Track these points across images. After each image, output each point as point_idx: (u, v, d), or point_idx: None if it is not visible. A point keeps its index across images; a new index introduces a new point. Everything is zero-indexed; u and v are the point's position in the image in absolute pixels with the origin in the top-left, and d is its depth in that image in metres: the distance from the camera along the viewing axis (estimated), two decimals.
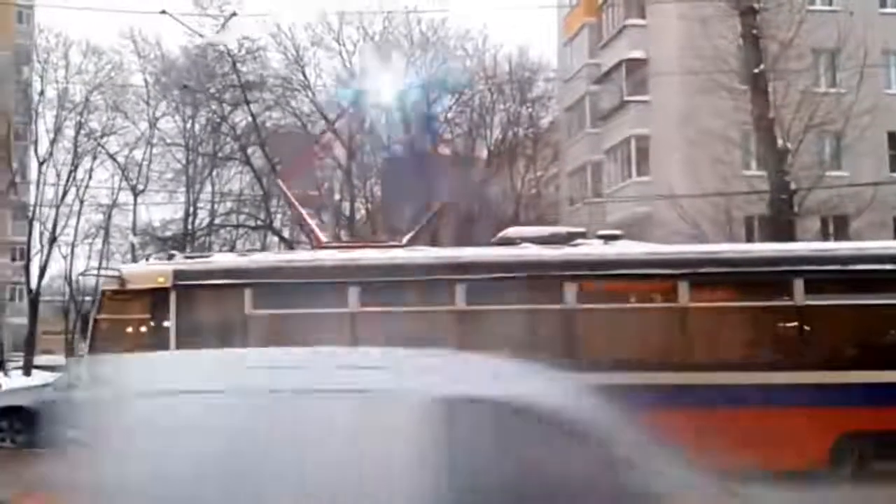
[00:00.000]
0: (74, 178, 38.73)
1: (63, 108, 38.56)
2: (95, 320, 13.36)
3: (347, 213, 35.90)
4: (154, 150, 38.67)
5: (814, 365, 12.09)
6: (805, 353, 12.32)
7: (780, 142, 22.03)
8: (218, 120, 36.45)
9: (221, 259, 14.39)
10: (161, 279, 13.15)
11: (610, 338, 12.89)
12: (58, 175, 38.51)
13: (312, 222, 18.75)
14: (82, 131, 38.61)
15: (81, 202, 39.33)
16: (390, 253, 14.06)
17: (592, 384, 4.94)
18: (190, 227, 37.04)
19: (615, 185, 34.57)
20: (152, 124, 38.78)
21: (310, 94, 36.79)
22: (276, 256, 15.29)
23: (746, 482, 4.95)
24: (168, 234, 36.48)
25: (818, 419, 11.76)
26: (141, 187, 38.54)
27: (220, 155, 36.27)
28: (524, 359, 5.25)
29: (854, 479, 12.03)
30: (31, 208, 39.39)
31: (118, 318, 13.46)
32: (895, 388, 11.89)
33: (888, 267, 12.55)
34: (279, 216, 36.00)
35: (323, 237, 16.74)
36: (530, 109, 40.47)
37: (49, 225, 38.52)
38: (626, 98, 33.91)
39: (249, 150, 35.51)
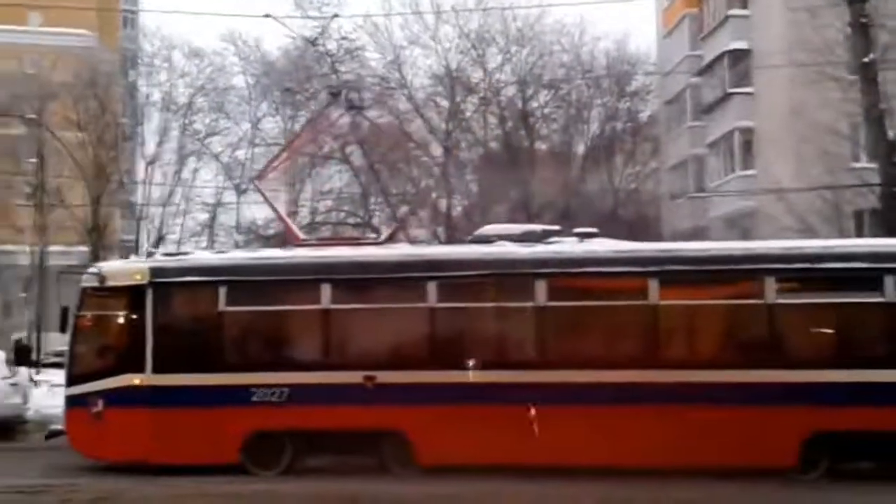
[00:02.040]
0: (180, 178, 39.71)
1: (168, 110, 39.61)
2: (76, 316, 13.90)
3: (444, 210, 35.92)
4: (256, 150, 39.37)
5: (785, 363, 12.23)
6: (775, 350, 12.41)
7: (890, 133, 21.20)
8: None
9: (197, 257, 14.78)
10: (138, 276, 13.61)
11: (578, 336, 13.00)
12: (164, 175, 39.59)
13: (288, 220, 18.94)
14: (187, 132, 39.58)
15: (187, 201, 40.32)
16: (363, 251, 14.31)
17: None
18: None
19: (718, 179, 33.90)
20: (254, 125, 39.53)
21: (407, 92, 36.94)
22: (250, 254, 15.71)
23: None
24: (270, 232, 37.07)
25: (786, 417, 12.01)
26: (244, 186, 39.30)
27: (319, 154, 36.70)
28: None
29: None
30: (139, 207, 40.56)
31: (98, 314, 13.95)
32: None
33: (855, 265, 12.48)
34: (378, 214, 36.25)
35: (301, 234, 16.91)
36: (629, 103, 39.84)
37: (156, 223, 39.62)
38: (730, 90, 33.20)
39: (348, 150, 35.86)
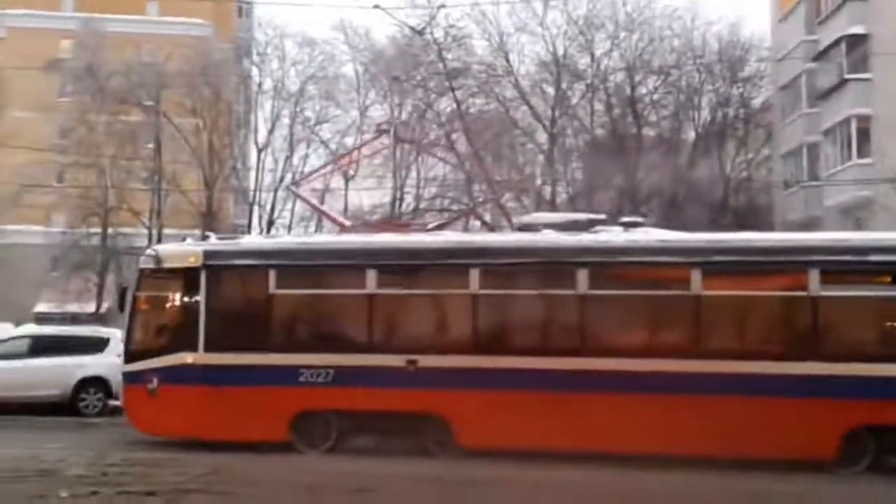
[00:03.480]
0: (291, 164, 40.47)
1: (279, 98, 40.37)
2: (134, 296, 14.42)
3: (549, 197, 35.73)
4: (364, 138, 39.84)
5: (828, 356, 12.04)
6: (820, 344, 12.22)
7: None
8: (423, 107, 37.11)
9: (249, 241, 15.22)
10: (192, 259, 14.03)
11: (619, 325, 13.00)
12: (275, 161, 40.41)
13: (329, 212, 19.46)
14: (297, 120, 40.29)
15: (297, 187, 41.04)
16: (407, 237, 14.49)
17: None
18: (397, 211, 37.98)
19: (834, 167, 32.84)
20: (362, 112, 39.98)
21: (513, 79, 36.83)
22: (299, 239, 15.89)
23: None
24: (376, 217, 37.52)
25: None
26: (352, 173, 39.83)
27: (424, 141, 36.93)
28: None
29: None
30: (252, 193, 41.52)
31: (154, 294, 14.48)
32: None
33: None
34: (481, 200, 36.27)
35: (346, 222, 17.19)
36: (741, 89, 38.93)
37: (268, 208, 40.50)
38: (847, 76, 32.10)
39: (453, 137, 35.98)
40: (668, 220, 27.19)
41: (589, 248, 13.11)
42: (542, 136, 36.29)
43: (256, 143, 41.23)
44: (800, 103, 36.86)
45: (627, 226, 13.84)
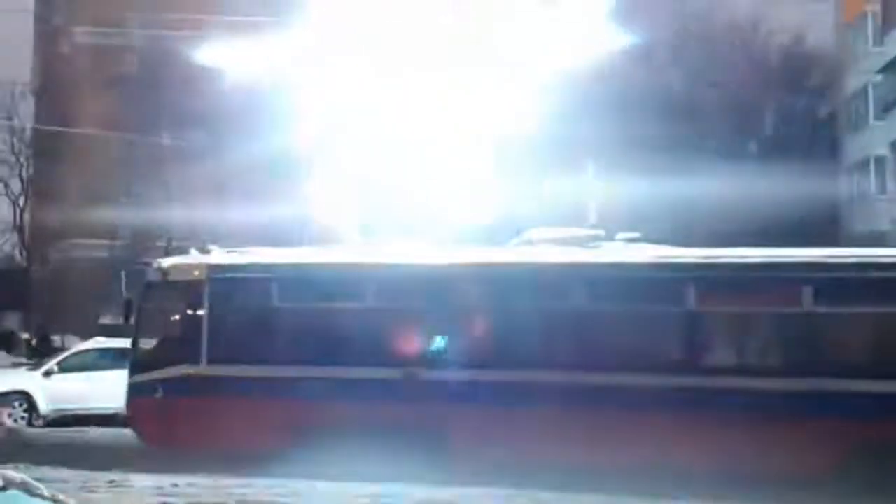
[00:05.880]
0: None
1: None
2: (139, 308, 14.45)
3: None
4: None
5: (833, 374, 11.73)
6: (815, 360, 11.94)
7: None
8: None
9: (254, 254, 14.87)
10: (197, 272, 13.97)
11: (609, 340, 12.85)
12: None
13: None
14: None
15: None
16: (412, 252, 14.47)
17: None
18: None
19: None
20: None
21: None
22: (303, 253, 15.84)
23: None
24: None
25: None
26: None
27: None
28: None
29: None
30: None
31: (159, 306, 14.50)
32: None
33: None
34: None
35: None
36: (805, 101, 38.34)
37: None
38: None
39: None
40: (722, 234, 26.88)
41: (581, 265, 13.12)
42: None
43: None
44: (867, 115, 36.22)
45: (627, 241, 13.74)
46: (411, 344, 13.41)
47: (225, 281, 13.98)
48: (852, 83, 36.94)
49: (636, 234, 14.01)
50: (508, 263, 13.45)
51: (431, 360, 13.14)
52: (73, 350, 21.23)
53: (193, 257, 15.06)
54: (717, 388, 12.06)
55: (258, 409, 13.19)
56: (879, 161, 35.00)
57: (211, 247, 14.85)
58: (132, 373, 14.37)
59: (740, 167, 35.58)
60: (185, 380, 13.68)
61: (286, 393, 13.20)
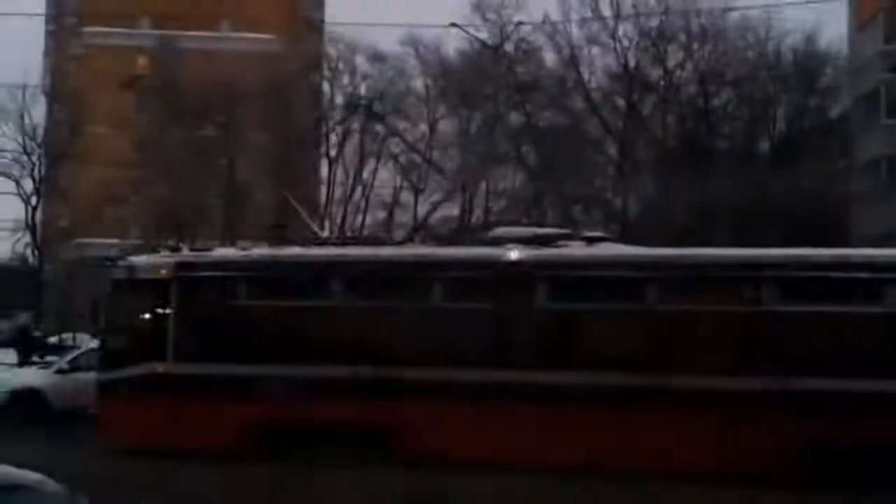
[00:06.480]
0: (361, 178, 40.75)
1: (350, 112, 40.69)
2: (107, 306, 14.66)
3: (619, 209, 35.41)
4: (433, 151, 39.93)
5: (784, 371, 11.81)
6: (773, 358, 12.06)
7: None
8: (493, 121, 37.08)
9: (220, 253, 15.08)
10: (164, 271, 14.14)
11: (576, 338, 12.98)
12: (346, 174, 40.73)
13: (310, 221, 19.21)
14: (367, 133, 40.56)
15: (367, 200, 41.34)
16: (374, 250, 14.59)
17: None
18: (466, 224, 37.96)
19: None
20: (432, 126, 40.08)
21: (583, 91, 36.60)
22: (268, 251, 15.74)
23: None
24: (443, 231, 37.52)
25: None
26: (422, 187, 39.96)
27: (494, 155, 36.89)
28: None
29: None
30: (323, 205, 41.89)
31: (126, 305, 14.51)
32: None
33: None
34: (550, 213, 36.09)
35: (322, 234, 17.45)
36: (818, 100, 38.15)
37: (338, 221, 40.79)
38: None
39: (523, 150, 35.86)
40: (741, 234, 26.78)
41: (547, 262, 13.16)
42: (612, 149, 35.97)
43: (328, 156, 41.63)
44: (879, 114, 36.04)
45: (591, 240, 13.81)
46: (373, 342, 13.40)
47: (191, 279, 14.12)
48: (863, 83, 36.75)
49: (601, 234, 14.25)
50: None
51: (386, 358, 13.08)
52: (85, 348, 21.23)
53: (160, 256, 15.34)
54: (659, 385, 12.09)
55: (225, 407, 13.17)
56: (890, 160, 34.81)
57: (181, 245, 14.94)
58: (100, 371, 14.45)
59: (751, 167, 35.52)
60: (151, 378, 13.73)
61: (253, 390, 13.19)
